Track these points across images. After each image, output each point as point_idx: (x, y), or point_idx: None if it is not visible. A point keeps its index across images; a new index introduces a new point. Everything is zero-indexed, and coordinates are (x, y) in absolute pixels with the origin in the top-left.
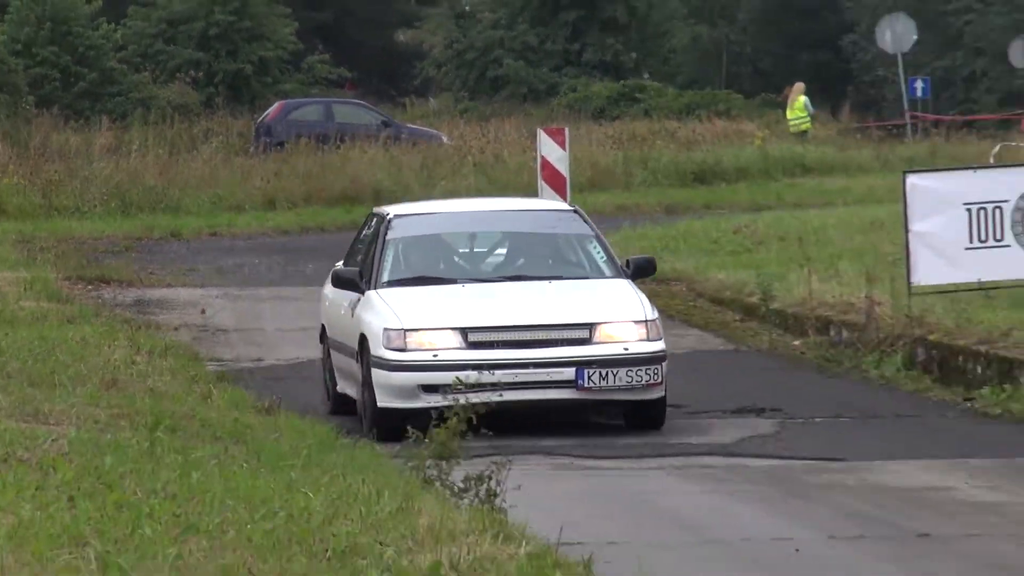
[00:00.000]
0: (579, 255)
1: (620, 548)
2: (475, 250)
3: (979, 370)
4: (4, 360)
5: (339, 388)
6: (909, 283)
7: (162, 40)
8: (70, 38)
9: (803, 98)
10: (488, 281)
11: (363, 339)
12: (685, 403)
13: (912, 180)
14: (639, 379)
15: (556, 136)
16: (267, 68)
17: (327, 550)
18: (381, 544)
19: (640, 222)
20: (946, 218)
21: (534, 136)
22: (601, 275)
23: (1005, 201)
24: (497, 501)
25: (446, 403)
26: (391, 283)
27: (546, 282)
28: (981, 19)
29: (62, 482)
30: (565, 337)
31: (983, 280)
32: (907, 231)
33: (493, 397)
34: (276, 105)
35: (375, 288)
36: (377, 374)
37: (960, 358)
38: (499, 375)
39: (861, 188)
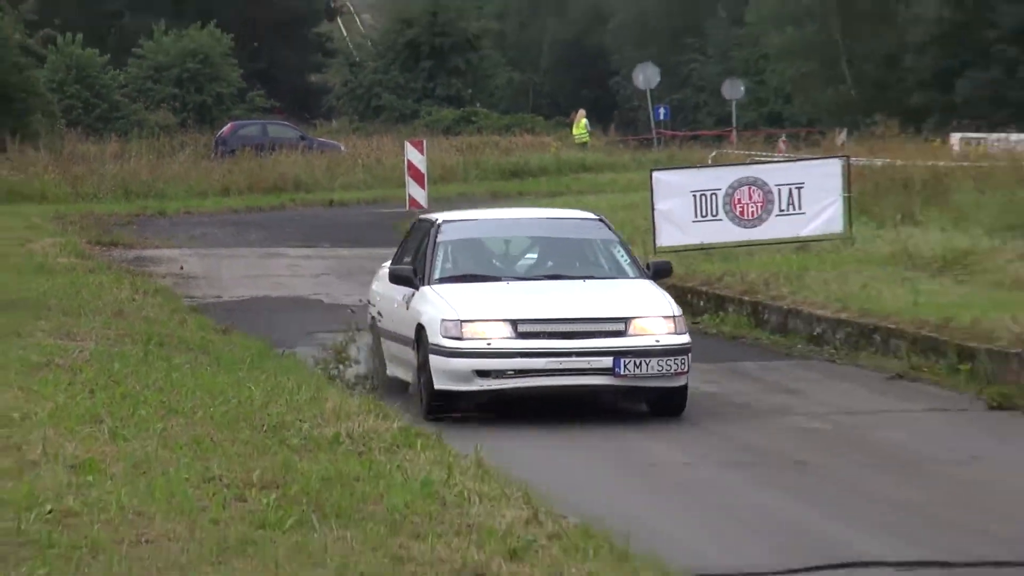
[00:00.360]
0: (606, 258)
1: (466, 428)
2: (514, 252)
3: (702, 303)
4: (47, 298)
5: (388, 372)
6: (655, 245)
7: (151, 81)
8: (89, 80)
9: (584, 120)
10: (529, 279)
11: (420, 329)
12: None
13: (657, 175)
14: (668, 368)
15: (417, 146)
16: (222, 100)
17: (264, 425)
18: (300, 421)
19: (475, 204)
20: (679, 201)
21: (403, 146)
22: (626, 276)
23: (719, 189)
24: (378, 393)
25: (497, 386)
26: (443, 279)
27: (580, 281)
28: (703, 67)
29: (85, 380)
30: (603, 330)
31: (704, 243)
32: (653, 210)
33: (538, 381)
34: (228, 125)
35: (429, 284)
36: (435, 360)
37: (689, 295)
38: (544, 363)
39: (623, 181)
